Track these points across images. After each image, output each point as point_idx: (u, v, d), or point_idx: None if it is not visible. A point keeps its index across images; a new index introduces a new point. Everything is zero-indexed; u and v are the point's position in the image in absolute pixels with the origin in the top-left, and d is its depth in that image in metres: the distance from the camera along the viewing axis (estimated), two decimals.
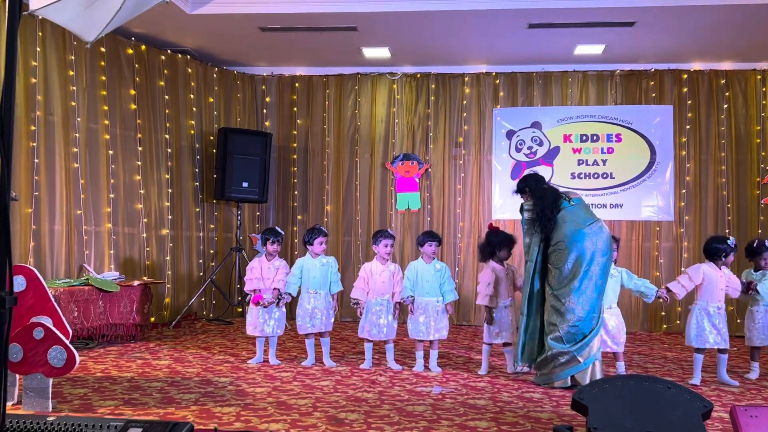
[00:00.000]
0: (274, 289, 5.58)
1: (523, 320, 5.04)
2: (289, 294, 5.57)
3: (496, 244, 5.54)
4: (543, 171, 8.22)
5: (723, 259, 5.22)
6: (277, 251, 5.73)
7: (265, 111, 8.69)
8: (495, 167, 8.31)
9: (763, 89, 7.94)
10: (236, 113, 8.52)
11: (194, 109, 8.06)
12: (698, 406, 3.47)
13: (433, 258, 5.57)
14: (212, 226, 8.31)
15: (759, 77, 7.95)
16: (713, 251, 5.25)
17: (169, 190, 7.73)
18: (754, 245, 5.49)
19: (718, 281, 5.17)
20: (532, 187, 5.12)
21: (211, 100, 8.28)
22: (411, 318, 5.52)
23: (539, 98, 8.31)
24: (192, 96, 8.03)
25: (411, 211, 8.38)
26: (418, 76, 8.47)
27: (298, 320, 5.58)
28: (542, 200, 4.97)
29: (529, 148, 8.27)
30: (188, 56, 8.01)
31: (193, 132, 8.03)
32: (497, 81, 8.35)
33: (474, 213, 8.33)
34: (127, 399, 4.23)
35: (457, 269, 8.11)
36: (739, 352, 6.44)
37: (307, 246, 5.69)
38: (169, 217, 7.71)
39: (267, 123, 8.67)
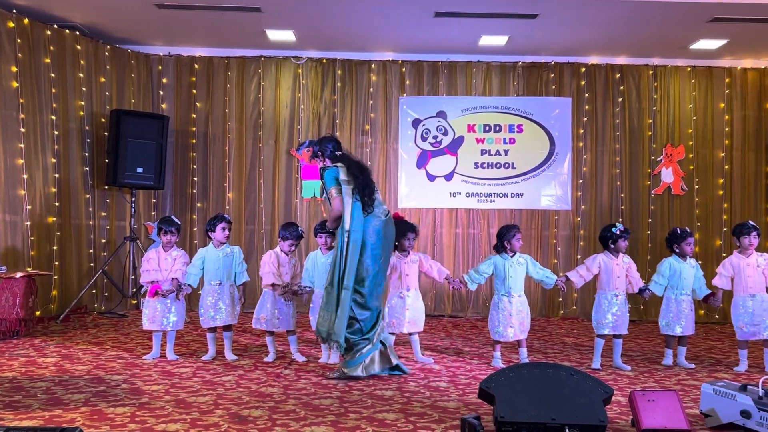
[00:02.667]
0: (173, 279, 5.30)
1: (348, 295, 4.68)
2: (189, 285, 5.32)
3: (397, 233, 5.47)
4: (448, 160, 8.30)
5: (613, 246, 5.39)
6: (171, 242, 5.42)
7: (161, 93, 8.26)
8: (401, 156, 8.30)
9: (655, 84, 8.32)
10: (130, 94, 8.05)
11: (84, 89, 7.54)
12: (600, 392, 3.56)
13: (330, 248, 5.46)
14: (104, 214, 7.83)
15: (651, 72, 8.32)
16: (602, 239, 5.46)
17: (56, 175, 7.20)
18: (679, 231, 5.59)
19: (614, 269, 5.35)
20: (332, 148, 4.94)
21: (103, 80, 7.78)
22: (313, 309, 5.39)
23: (444, 88, 8.35)
24: (81, 75, 7.50)
25: (317, 199, 8.23)
26: (324, 61, 8.30)
27: (201, 313, 5.34)
28: (357, 167, 4.86)
29: (435, 137, 8.31)
30: (77, 32, 7.47)
31: (82, 113, 7.52)
32: (403, 69, 8.32)
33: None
34: (8, 402, 3.88)
35: None
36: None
37: (209, 234, 5.45)
38: (56, 204, 7.19)
39: (164, 105, 8.25)
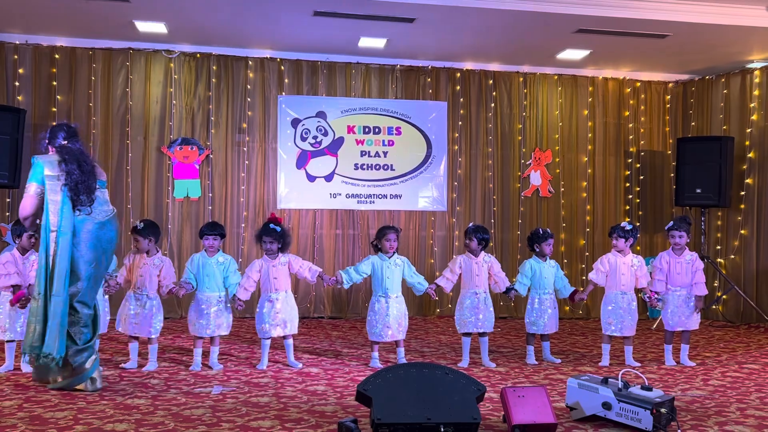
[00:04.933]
0: (30, 285, 4.90)
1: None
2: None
3: (257, 237, 5.37)
4: (328, 161, 8.25)
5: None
6: (27, 245, 5.02)
7: (17, 84, 7.62)
8: (280, 155, 8.14)
9: (525, 91, 8.68)
10: None
11: None
12: (473, 389, 3.64)
13: (216, 251, 5.28)
14: None
15: (521, 79, 8.68)
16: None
17: None
18: (540, 232, 5.80)
19: (473, 268, 5.52)
20: (63, 138, 4.61)
21: None
22: (192, 314, 5.18)
23: (324, 88, 8.29)
24: None
25: (191, 199, 7.91)
26: (198, 56, 8.00)
27: None
28: (76, 161, 4.49)
29: (315, 137, 8.23)
30: None
31: None
32: (282, 67, 8.18)
33: (259, 202, 8.09)
34: None
35: (240, 260, 7.82)
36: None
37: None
38: None
39: (20, 98, 7.61)
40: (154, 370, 5.01)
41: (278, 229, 5.31)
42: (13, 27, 7.40)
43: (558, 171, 8.71)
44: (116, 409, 3.89)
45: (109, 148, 7.76)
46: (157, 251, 5.33)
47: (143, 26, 7.30)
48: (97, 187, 4.53)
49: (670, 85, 9.02)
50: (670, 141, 8.96)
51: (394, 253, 5.42)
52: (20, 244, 5.01)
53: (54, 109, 7.67)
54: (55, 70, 7.67)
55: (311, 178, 8.20)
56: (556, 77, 8.76)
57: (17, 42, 7.59)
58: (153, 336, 5.15)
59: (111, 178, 7.73)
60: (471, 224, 5.74)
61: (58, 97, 7.68)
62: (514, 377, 5.00)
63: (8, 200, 7.60)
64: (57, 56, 7.67)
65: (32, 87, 7.65)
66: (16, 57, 7.59)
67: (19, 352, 4.91)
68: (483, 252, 5.58)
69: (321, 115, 8.24)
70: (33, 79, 7.65)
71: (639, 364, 5.51)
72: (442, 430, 3.38)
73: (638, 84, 8.93)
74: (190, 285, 5.19)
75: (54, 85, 7.67)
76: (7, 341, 4.92)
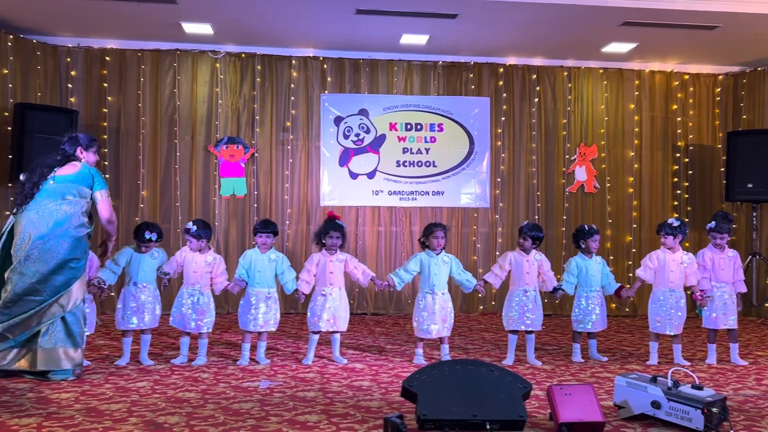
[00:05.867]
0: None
1: None
2: (103, 280, 5.10)
3: (322, 232, 5.46)
4: (370, 158, 8.29)
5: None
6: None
7: (70, 86, 7.86)
8: (323, 153, 8.22)
9: (569, 85, 8.58)
10: (36, 87, 7.61)
11: None
12: (519, 387, 3.63)
13: (269, 248, 5.38)
14: (7, 213, 7.38)
15: (566, 74, 8.57)
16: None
17: None
18: (585, 228, 5.73)
19: (524, 265, 5.48)
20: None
21: (6, 71, 7.32)
22: (241, 308, 5.29)
23: (366, 85, 8.33)
24: None
25: (236, 197, 8.04)
26: (243, 56, 8.12)
27: (119, 316, 5.14)
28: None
29: (357, 135, 8.28)
30: None
31: None
32: (325, 66, 8.24)
33: (302, 200, 8.18)
34: None
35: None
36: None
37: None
38: None
39: (72, 99, 7.86)
40: (204, 365, 5.13)
41: (344, 225, 5.47)
42: (66, 30, 7.64)
43: (603, 166, 8.58)
44: (168, 402, 4.00)
45: (157, 147, 7.95)
46: (209, 249, 5.44)
47: (190, 27, 7.44)
48: None
49: (720, 77, 8.79)
50: (720, 135, 8.74)
51: (441, 250, 5.43)
52: None
53: (105, 110, 7.88)
54: (105, 71, 7.88)
55: (354, 176, 8.26)
56: (601, 71, 8.63)
57: (69, 45, 7.83)
58: (204, 331, 5.27)
59: (160, 177, 7.93)
60: (526, 222, 5.67)
61: (109, 98, 7.90)
62: (560, 375, 4.96)
63: None
64: (107, 58, 7.88)
65: (84, 89, 7.88)
66: (68, 60, 7.83)
67: None
68: (534, 250, 5.55)
69: (363, 112, 8.29)
70: (85, 81, 7.88)
71: (688, 363, 5.41)
72: (488, 427, 3.39)
73: (686, 77, 8.73)
74: (243, 282, 5.30)
75: (105, 86, 7.88)
76: None
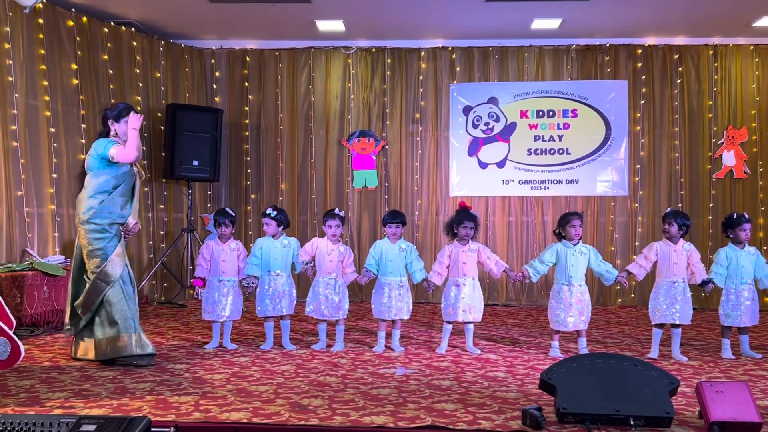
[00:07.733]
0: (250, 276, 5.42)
1: None
2: (255, 277, 5.40)
3: (454, 222, 5.45)
4: (500, 147, 8.19)
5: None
6: (226, 234, 5.51)
7: (215, 86, 8.38)
8: (452, 144, 8.23)
9: (715, 64, 8.03)
10: (184, 89, 8.19)
11: (140, 84, 7.70)
12: (665, 383, 3.47)
13: (398, 238, 5.48)
14: (162, 207, 8.02)
15: (711, 52, 8.03)
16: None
17: None
18: (734, 216, 5.40)
19: (672, 256, 5.20)
20: None
21: (158, 74, 7.93)
22: (375, 297, 5.43)
23: (495, 73, 8.23)
24: (138, 70, 7.67)
25: (368, 189, 8.24)
26: (374, 50, 8.28)
27: (258, 303, 5.43)
28: None
29: (486, 124, 8.21)
30: (133, 29, 7.63)
31: (139, 108, 7.68)
32: (453, 56, 8.23)
33: (431, 190, 8.25)
34: (78, 390, 4.00)
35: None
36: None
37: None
38: None
39: (217, 99, 8.37)
40: (342, 350, 5.31)
41: (477, 215, 5.48)
42: (210, 34, 8.13)
43: (755, 150, 7.97)
44: (311, 386, 4.18)
45: (294, 142, 8.30)
46: (339, 240, 5.60)
47: (323, 25, 7.69)
48: None
49: None
50: None
51: (579, 240, 5.28)
52: (221, 232, 5.50)
53: (246, 108, 8.33)
54: (246, 71, 8.33)
55: (483, 165, 8.20)
56: (751, 47, 8.00)
57: (213, 47, 8.34)
58: (341, 318, 5.46)
59: (297, 170, 8.28)
60: (669, 209, 5.40)
61: (250, 96, 8.33)
62: (709, 372, 4.69)
63: (209, 192, 8.39)
64: (248, 59, 8.32)
65: (227, 88, 8.37)
66: (213, 61, 8.34)
67: (222, 330, 5.43)
68: (682, 239, 5.27)
69: (493, 101, 8.20)
70: (228, 81, 8.37)
71: None
72: (632, 423, 3.27)
73: None
74: (371, 273, 5.42)
75: (246, 85, 8.33)
76: (214, 322, 5.45)
